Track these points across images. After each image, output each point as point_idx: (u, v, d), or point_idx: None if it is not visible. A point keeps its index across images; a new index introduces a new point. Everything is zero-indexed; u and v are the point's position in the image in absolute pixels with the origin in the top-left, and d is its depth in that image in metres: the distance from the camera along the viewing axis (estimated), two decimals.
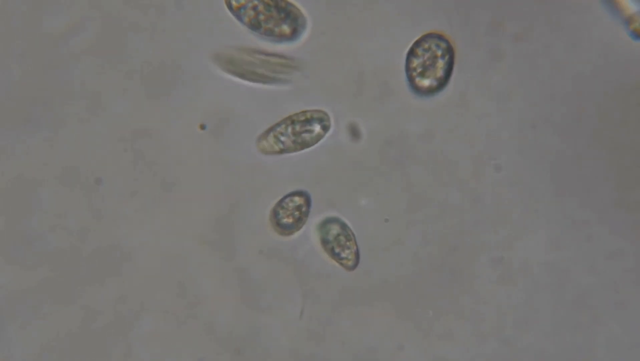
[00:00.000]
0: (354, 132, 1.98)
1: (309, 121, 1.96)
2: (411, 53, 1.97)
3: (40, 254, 1.94)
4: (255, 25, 1.90)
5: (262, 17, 1.88)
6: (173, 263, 1.98)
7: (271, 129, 1.97)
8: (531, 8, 1.97)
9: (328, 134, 1.98)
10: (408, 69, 1.97)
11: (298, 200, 1.98)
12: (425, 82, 1.97)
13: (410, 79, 1.97)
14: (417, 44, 1.96)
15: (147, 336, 1.98)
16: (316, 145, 1.98)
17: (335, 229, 2.00)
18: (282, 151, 1.97)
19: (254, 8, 1.89)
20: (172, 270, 1.98)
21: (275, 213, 1.98)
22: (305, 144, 1.98)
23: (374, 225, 2.01)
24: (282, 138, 1.97)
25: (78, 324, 1.96)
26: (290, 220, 1.98)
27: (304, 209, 1.98)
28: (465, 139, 2.00)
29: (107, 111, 1.95)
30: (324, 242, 2.00)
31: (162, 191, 1.97)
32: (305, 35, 1.96)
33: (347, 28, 1.97)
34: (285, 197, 1.98)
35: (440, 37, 1.96)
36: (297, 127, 1.96)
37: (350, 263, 2.01)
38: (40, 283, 1.94)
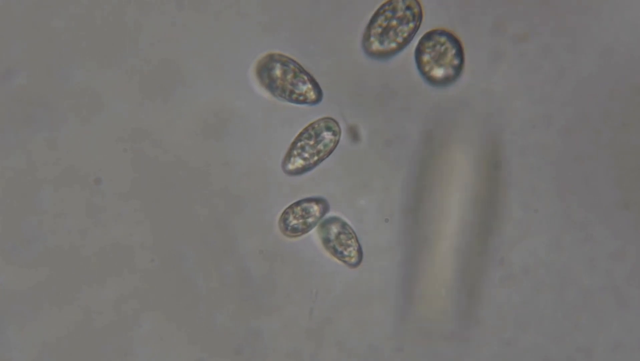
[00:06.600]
0: (354, 134, 1.98)
1: (317, 132, 1.97)
2: (418, 52, 1.97)
3: (40, 254, 1.94)
4: None
5: None
6: (173, 263, 1.98)
7: (292, 148, 1.97)
8: (533, 9, 1.97)
9: (340, 137, 1.99)
10: (420, 65, 1.97)
11: (315, 208, 1.98)
12: (439, 72, 1.97)
13: (425, 74, 1.97)
14: (421, 42, 1.97)
15: (147, 336, 1.98)
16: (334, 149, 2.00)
17: (335, 228, 2.00)
18: (308, 165, 1.98)
19: None
20: (172, 270, 1.98)
21: (287, 213, 1.98)
22: (326, 153, 1.98)
23: (374, 225, 2.01)
24: (305, 154, 1.97)
25: (78, 324, 1.97)
26: (299, 222, 1.98)
27: (311, 219, 1.98)
28: (466, 140, 1.99)
29: (107, 111, 1.95)
30: (326, 241, 2.00)
31: (162, 191, 1.97)
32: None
33: (349, 28, 1.97)
34: (305, 200, 1.98)
35: (441, 33, 1.96)
36: (312, 141, 1.97)
37: (353, 260, 2.01)
38: (40, 283, 1.95)
